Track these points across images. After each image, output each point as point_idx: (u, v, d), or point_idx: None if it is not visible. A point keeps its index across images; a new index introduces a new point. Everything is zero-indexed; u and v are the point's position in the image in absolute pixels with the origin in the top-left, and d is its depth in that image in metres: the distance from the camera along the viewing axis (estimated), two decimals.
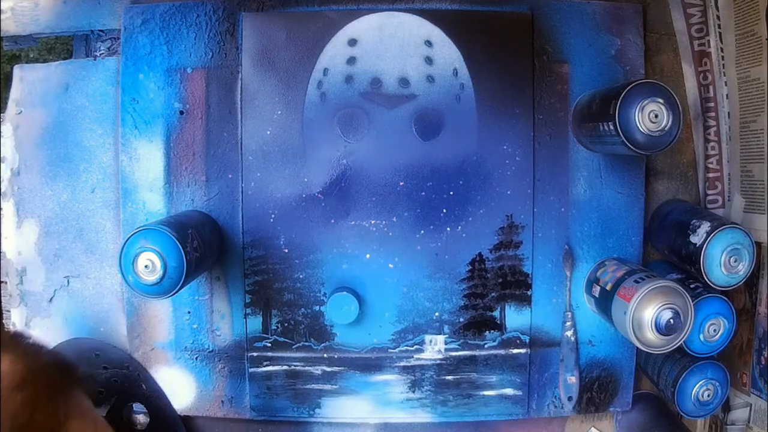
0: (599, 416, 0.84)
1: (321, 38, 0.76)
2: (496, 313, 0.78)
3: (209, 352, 0.79)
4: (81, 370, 0.43)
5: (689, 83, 0.81)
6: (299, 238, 0.77)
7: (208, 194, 0.78)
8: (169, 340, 0.79)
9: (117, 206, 0.79)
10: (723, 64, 0.79)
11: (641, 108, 0.62)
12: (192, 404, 0.80)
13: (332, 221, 0.77)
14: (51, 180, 0.80)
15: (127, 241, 0.65)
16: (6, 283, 0.81)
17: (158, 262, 0.64)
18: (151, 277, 0.64)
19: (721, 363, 0.74)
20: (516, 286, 0.78)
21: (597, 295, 0.74)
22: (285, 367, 0.79)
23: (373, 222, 0.77)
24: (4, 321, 0.79)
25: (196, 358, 0.80)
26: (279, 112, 0.76)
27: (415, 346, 0.79)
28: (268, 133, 0.76)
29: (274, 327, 0.78)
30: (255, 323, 0.78)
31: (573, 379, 0.79)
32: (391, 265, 0.77)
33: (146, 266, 0.64)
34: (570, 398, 0.79)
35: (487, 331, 0.78)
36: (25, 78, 0.79)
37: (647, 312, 0.65)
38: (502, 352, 0.78)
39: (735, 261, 0.68)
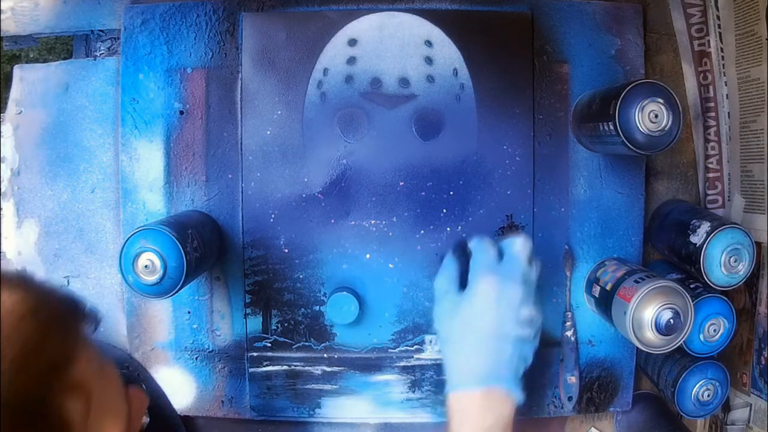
0: (599, 416, 0.84)
1: (321, 38, 0.76)
2: None
3: (209, 352, 0.79)
4: (90, 308, 0.44)
5: (689, 83, 0.81)
6: (299, 238, 0.77)
7: (208, 194, 0.78)
8: (169, 340, 0.79)
9: (117, 206, 0.79)
10: (723, 64, 0.79)
11: (641, 108, 0.62)
12: (192, 404, 0.80)
13: (332, 221, 0.77)
14: (51, 180, 0.80)
15: (127, 241, 0.65)
16: None
17: (158, 262, 0.64)
18: (151, 277, 0.64)
19: (721, 363, 0.74)
20: None
21: (597, 295, 0.74)
22: (285, 367, 0.79)
23: (373, 222, 0.77)
24: None
25: (196, 358, 0.80)
26: (279, 112, 0.76)
27: (415, 346, 0.79)
28: (268, 133, 0.76)
29: (274, 327, 0.78)
30: (255, 323, 0.78)
31: (573, 379, 0.79)
32: (391, 265, 0.77)
33: (146, 266, 0.64)
34: (570, 398, 0.79)
35: None
36: (25, 78, 0.79)
37: (647, 312, 0.65)
38: None
39: (735, 261, 0.68)
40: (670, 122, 0.62)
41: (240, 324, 0.79)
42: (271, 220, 0.77)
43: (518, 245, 0.63)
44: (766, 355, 0.76)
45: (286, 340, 0.78)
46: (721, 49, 0.79)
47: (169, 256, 0.64)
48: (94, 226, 0.80)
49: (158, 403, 0.79)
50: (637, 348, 0.72)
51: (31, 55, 1.23)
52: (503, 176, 0.77)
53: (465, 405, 0.58)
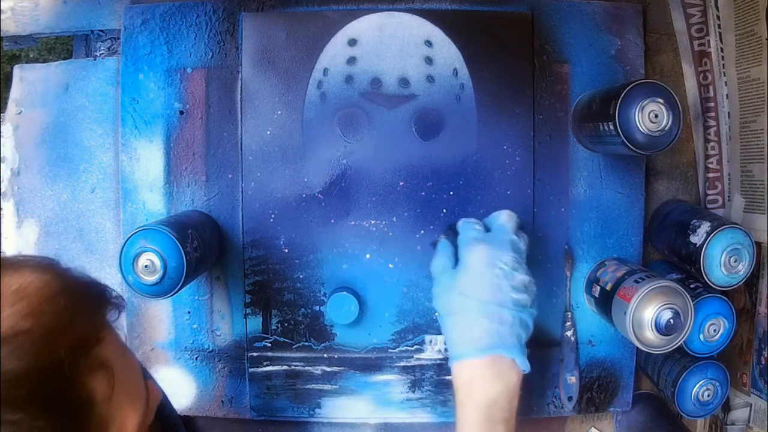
0: (599, 416, 0.84)
1: (321, 38, 0.76)
2: None
3: (209, 352, 0.79)
4: (116, 294, 0.47)
5: (689, 83, 0.81)
6: (299, 238, 0.77)
7: (208, 194, 0.78)
8: (169, 340, 0.79)
9: (117, 206, 0.79)
10: (723, 64, 0.79)
11: (641, 108, 0.62)
12: (192, 404, 0.80)
13: (332, 221, 0.77)
14: (51, 180, 0.80)
15: (127, 241, 0.65)
16: None
17: (158, 262, 0.64)
18: (151, 277, 0.64)
19: (721, 363, 0.74)
20: None
21: (597, 295, 0.74)
22: (285, 367, 0.79)
23: (373, 222, 0.77)
24: None
25: (196, 358, 0.80)
26: (279, 112, 0.76)
27: (415, 346, 0.79)
28: (268, 133, 0.76)
29: (274, 327, 0.78)
30: (255, 323, 0.78)
31: (573, 379, 0.78)
32: (391, 265, 0.77)
33: (146, 266, 0.64)
34: (570, 398, 0.79)
35: None
36: (25, 78, 0.79)
37: (647, 312, 0.65)
38: None
39: (735, 261, 0.68)
40: (670, 122, 0.62)
41: (240, 324, 0.79)
42: (271, 220, 0.77)
43: (503, 217, 0.66)
44: (766, 355, 0.76)
45: (286, 340, 0.78)
46: (721, 49, 0.79)
47: (169, 256, 0.64)
48: (94, 226, 0.80)
49: (158, 403, 0.79)
50: (637, 348, 0.72)
51: (31, 55, 1.23)
52: (503, 176, 0.77)
53: (471, 375, 0.58)
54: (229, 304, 0.79)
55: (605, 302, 0.71)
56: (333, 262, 0.77)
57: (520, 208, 0.77)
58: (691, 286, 0.73)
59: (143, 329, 0.79)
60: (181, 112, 0.77)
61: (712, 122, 0.81)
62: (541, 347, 0.79)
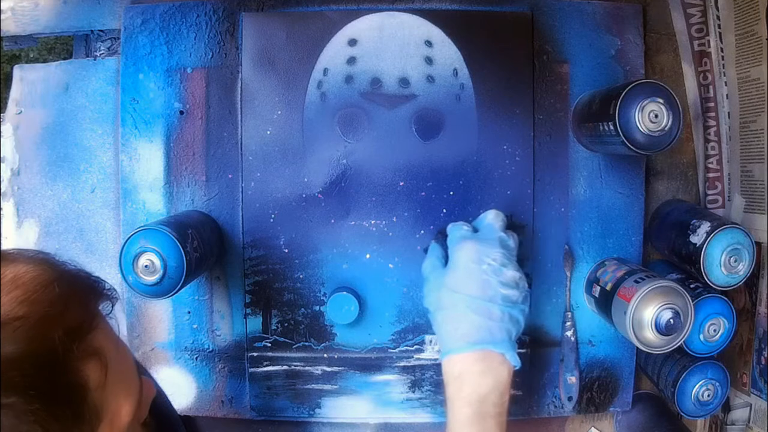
0: (599, 416, 0.85)
1: (321, 38, 0.76)
2: None
3: (209, 352, 0.79)
4: (108, 286, 0.48)
5: (689, 83, 0.81)
6: (299, 238, 0.77)
7: (208, 194, 0.78)
8: (169, 340, 0.79)
9: (117, 206, 0.79)
10: (723, 64, 0.80)
11: (641, 108, 0.62)
12: (192, 404, 0.80)
13: (332, 221, 0.77)
14: (51, 180, 0.80)
15: (127, 241, 0.65)
16: None
17: (158, 262, 0.64)
18: (151, 277, 0.64)
19: (721, 363, 0.74)
20: None
21: (597, 295, 0.74)
22: (285, 367, 0.79)
23: (373, 222, 0.77)
24: None
25: (196, 358, 0.80)
26: (279, 112, 0.76)
27: (415, 346, 0.79)
28: (268, 133, 0.76)
29: (274, 327, 0.78)
30: (255, 323, 0.78)
31: (573, 379, 0.78)
32: (391, 265, 0.77)
33: (146, 266, 0.64)
34: (570, 398, 0.79)
35: None
36: (25, 78, 0.79)
37: (647, 312, 0.65)
38: None
39: (735, 261, 0.68)
40: (670, 122, 0.62)
41: (240, 324, 0.79)
42: (271, 220, 0.77)
43: (490, 216, 0.67)
44: (766, 355, 0.76)
45: (286, 340, 0.78)
46: (721, 49, 0.79)
47: (169, 256, 0.64)
48: (94, 226, 0.80)
49: (158, 402, 0.79)
50: (637, 348, 0.72)
51: (31, 55, 1.23)
52: (503, 176, 0.77)
53: (461, 370, 0.58)
54: (229, 304, 0.79)
55: (605, 302, 0.71)
56: (333, 262, 0.77)
57: (520, 208, 0.77)
58: (691, 286, 0.74)
59: (143, 329, 0.79)
60: (181, 112, 0.77)
61: (712, 122, 0.81)
62: (541, 347, 0.79)
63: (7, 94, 0.80)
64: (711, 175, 0.82)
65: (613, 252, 0.79)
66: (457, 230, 0.66)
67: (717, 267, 0.68)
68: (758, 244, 0.74)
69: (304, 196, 0.77)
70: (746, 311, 0.79)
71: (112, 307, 0.48)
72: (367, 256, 0.77)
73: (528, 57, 0.77)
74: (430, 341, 0.78)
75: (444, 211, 0.77)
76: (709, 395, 0.73)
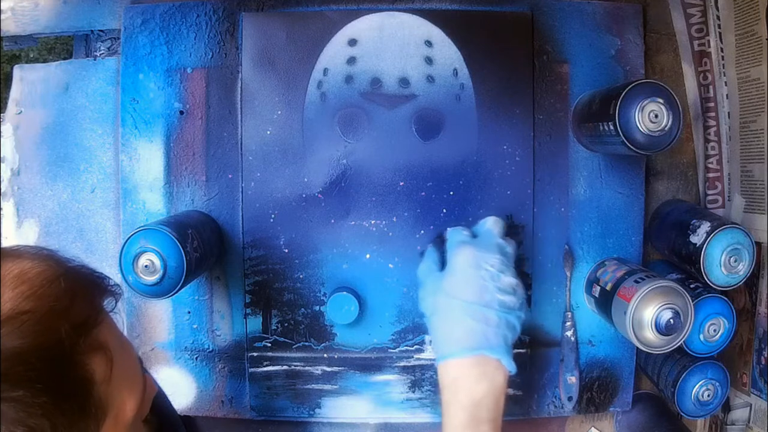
0: (599, 416, 0.84)
1: (321, 38, 0.76)
2: None
3: (209, 352, 0.79)
4: (113, 283, 0.48)
5: (689, 83, 0.81)
6: (299, 238, 0.77)
7: (208, 194, 0.78)
8: (169, 340, 0.79)
9: (117, 206, 0.79)
10: (723, 64, 0.80)
11: (641, 108, 0.62)
12: (192, 404, 0.80)
13: (332, 221, 0.77)
14: (51, 180, 0.80)
15: (127, 241, 0.65)
16: None
17: (158, 262, 0.64)
18: (151, 277, 0.64)
19: (721, 363, 0.74)
20: None
21: (597, 295, 0.74)
22: (285, 367, 0.79)
23: (373, 222, 0.77)
24: None
25: (196, 358, 0.80)
26: (279, 112, 0.76)
27: (415, 346, 0.79)
28: (268, 133, 0.76)
29: (274, 327, 0.78)
30: (255, 323, 0.78)
31: (573, 379, 0.79)
32: (391, 265, 0.77)
33: (146, 266, 0.64)
34: (570, 398, 0.79)
35: None
36: (25, 78, 0.79)
37: (647, 312, 0.65)
38: None
39: (735, 261, 0.68)
40: (670, 122, 0.62)
41: (240, 324, 0.79)
42: (271, 220, 0.77)
43: (489, 222, 0.66)
44: (766, 355, 0.76)
45: (286, 340, 0.78)
46: (721, 49, 0.79)
47: (169, 256, 0.64)
48: (94, 226, 0.80)
49: (158, 402, 0.79)
50: (637, 348, 0.72)
51: (31, 55, 1.23)
52: (503, 176, 0.77)
53: (456, 374, 0.58)
54: (229, 304, 0.79)
55: (605, 302, 0.71)
56: (333, 262, 0.77)
57: (520, 208, 0.77)
58: (691, 286, 0.74)
59: (143, 329, 0.79)
60: (181, 112, 0.77)
61: (712, 122, 0.81)
62: (541, 347, 0.79)
63: (7, 94, 0.80)
64: (711, 175, 0.82)
65: (613, 252, 0.79)
66: (456, 235, 0.66)
67: (717, 267, 0.68)
68: (758, 244, 0.74)
69: (304, 196, 0.77)
70: (746, 311, 0.79)
71: (116, 303, 0.48)
72: (367, 256, 0.77)
73: (528, 57, 0.77)
74: (430, 341, 0.78)
75: (444, 211, 0.77)
76: (709, 395, 0.73)
